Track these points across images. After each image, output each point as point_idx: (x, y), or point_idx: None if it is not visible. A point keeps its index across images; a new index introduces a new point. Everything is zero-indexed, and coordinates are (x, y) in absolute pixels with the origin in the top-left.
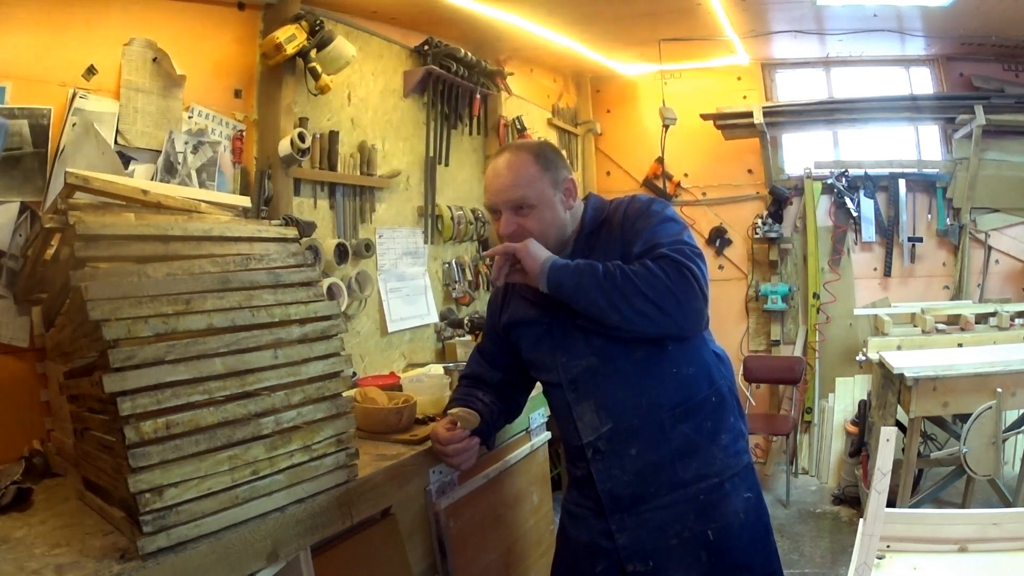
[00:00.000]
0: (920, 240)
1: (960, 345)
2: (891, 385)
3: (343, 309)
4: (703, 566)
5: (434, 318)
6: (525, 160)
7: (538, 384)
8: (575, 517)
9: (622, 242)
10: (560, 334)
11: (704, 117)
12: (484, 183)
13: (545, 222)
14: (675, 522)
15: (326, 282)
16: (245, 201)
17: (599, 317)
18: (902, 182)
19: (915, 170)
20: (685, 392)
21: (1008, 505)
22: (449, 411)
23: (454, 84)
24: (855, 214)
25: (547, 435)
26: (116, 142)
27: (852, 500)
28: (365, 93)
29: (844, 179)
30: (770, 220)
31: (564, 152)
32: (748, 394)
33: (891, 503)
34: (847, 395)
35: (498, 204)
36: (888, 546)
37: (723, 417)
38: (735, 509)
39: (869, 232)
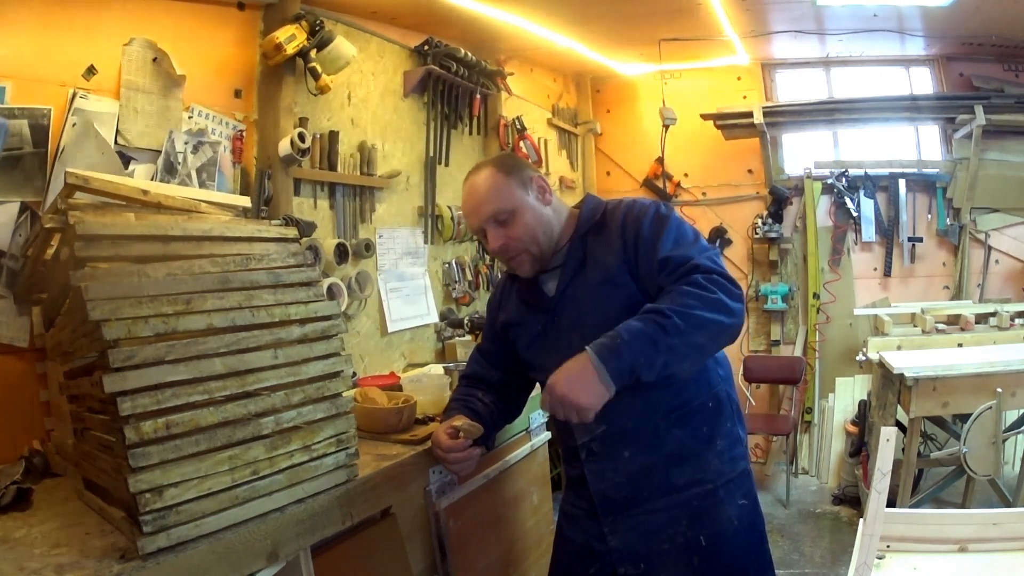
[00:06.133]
0: (920, 240)
1: (960, 345)
2: (891, 385)
3: (343, 309)
4: (695, 571)
5: (434, 318)
6: (488, 173)
7: (538, 384)
8: (571, 518)
9: (622, 246)
10: (555, 335)
11: (704, 117)
12: (462, 214)
13: (529, 226)
14: (668, 526)
15: (326, 282)
16: (245, 201)
17: (671, 368)
18: (902, 182)
19: (915, 170)
20: (681, 397)
21: (1008, 505)
22: (453, 423)
23: (454, 84)
24: (855, 214)
25: (547, 435)
26: (116, 142)
27: (852, 500)
28: (365, 93)
29: (844, 179)
30: (770, 220)
31: (564, 152)
32: (748, 394)
33: (891, 503)
34: (847, 395)
35: (480, 223)
36: (888, 546)
37: (720, 422)
38: (729, 516)
39: (869, 232)
